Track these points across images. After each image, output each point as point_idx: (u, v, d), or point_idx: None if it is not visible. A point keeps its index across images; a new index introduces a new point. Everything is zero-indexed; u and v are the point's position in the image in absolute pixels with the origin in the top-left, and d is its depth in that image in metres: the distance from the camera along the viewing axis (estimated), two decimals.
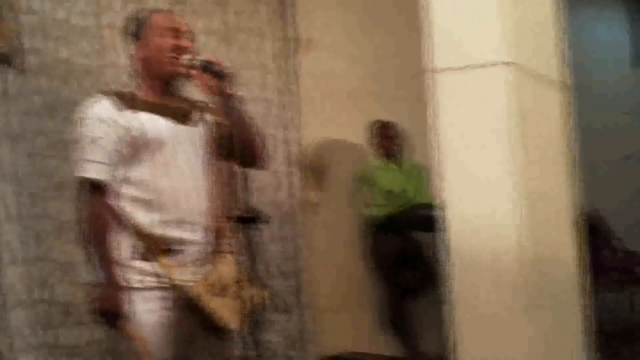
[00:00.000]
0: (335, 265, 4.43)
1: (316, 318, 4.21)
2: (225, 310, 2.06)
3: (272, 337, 3.96)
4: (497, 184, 3.09)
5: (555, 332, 3.10)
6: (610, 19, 6.22)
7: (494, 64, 3.05)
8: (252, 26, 4.08)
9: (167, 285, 2.01)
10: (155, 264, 2.01)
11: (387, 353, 4.21)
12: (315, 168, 4.39)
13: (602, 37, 6.13)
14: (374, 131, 4.55)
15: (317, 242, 4.34)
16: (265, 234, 3.94)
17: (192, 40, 2.12)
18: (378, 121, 4.48)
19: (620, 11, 6.24)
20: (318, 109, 4.42)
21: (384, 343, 4.37)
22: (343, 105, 4.56)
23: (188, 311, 2.03)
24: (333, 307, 4.33)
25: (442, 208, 3.22)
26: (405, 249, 4.41)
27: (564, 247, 3.25)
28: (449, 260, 3.21)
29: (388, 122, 4.40)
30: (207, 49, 3.38)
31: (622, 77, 6.22)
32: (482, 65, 3.08)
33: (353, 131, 4.60)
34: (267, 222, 2.03)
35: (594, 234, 5.23)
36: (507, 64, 3.02)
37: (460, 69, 3.14)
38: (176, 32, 2.09)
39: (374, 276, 4.47)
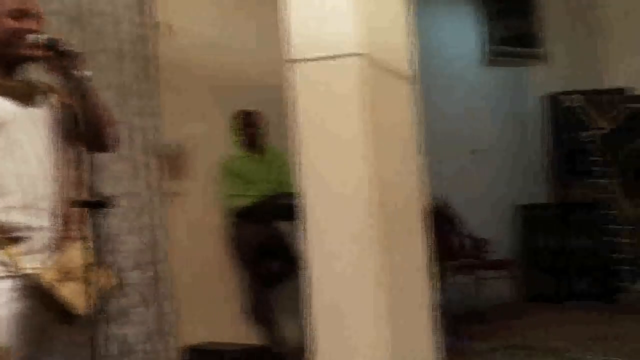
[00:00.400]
0: (198, 256, 4.41)
1: (177, 309, 4.18)
2: (76, 297, 2.03)
3: (130, 330, 3.90)
4: (350, 169, 3.23)
5: (405, 314, 3.26)
6: (460, 21, 6.56)
7: (346, 56, 3.18)
8: (108, 10, 3.97)
9: (15, 275, 1.95)
10: (0, 252, 1.94)
11: (250, 342, 4.24)
12: (174, 157, 4.35)
13: (453, 37, 6.47)
14: (237, 120, 4.59)
15: (179, 232, 4.31)
16: (123, 224, 3.88)
17: (41, 21, 2.07)
18: (242, 111, 4.51)
19: (469, 13, 6.60)
20: (179, 97, 4.38)
21: (247, 333, 4.42)
22: (205, 94, 4.56)
23: (39, 299, 1.98)
24: (195, 297, 4.31)
25: (300, 196, 3.31)
26: (267, 238, 4.48)
27: (413, 230, 3.43)
28: (307, 247, 3.32)
29: (251, 112, 4.45)
30: (60, 32, 3.27)
31: (472, 74, 6.57)
32: (336, 57, 3.21)
33: (216, 120, 4.61)
34: (114, 206, 2.00)
35: (444, 221, 5.53)
36: (359, 55, 3.16)
37: (316, 59, 3.26)
38: (22, 13, 2.02)
39: (237, 266, 4.50)
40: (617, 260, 5.91)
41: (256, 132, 4.49)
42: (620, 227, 5.97)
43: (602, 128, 6.13)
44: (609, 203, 6.05)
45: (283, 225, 4.44)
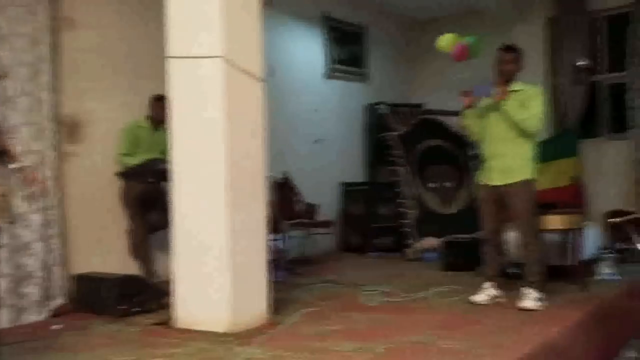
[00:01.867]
0: (91, 204, 4.34)
1: (68, 245, 4.11)
2: None
3: (29, 260, 3.82)
4: (211, 145, 3.35)
5: (247, 256, 3.44)
6: (311, 41, 6.70)
7: (211, 57, 3.27)
8: (25, 2, 3.83)
9: None
10: None
11: (129, 273, 4.22)
12: (73, 125, 4.24)
13: (305, 54, 6.62)
14: (150, 101, 4.48)
15: (75, 185, 4.22)
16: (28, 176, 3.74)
17: None
18: (155, 95, 4.36)
19: (317, 36, 6.76)
20: (81, 78, 4.27)
21: (129, 266, 4.40)
22: (104, 77, 4.45)
23: None
24: (87, 237, 4.26)
25: (172, 163, 3.39)
26: (148, 193, 4.44)
27: (257, 194, 3.59)
28: (175, 203, 3.41)
29: (161, 96, 4.25)
30: None
31: (317, 84, 6.76)
32: (204, 57, 3.30)
33: (112, 98, 4.52)
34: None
35: (288, 190, 5.73)
36: (222, 58, 3.27)
37: (187, 58, 3.32)
38: None
39: (124, 213, 4.46)
40: (405, 224, 6.30)
41: (161, 111, 4.27)
42: (408, 201, 6.38)
43: (401, 131, 6.52)
44: (402, 183, 6.44)
45: (163, 184, 4.42)
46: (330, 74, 6.86)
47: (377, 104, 6.96)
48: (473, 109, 3.92)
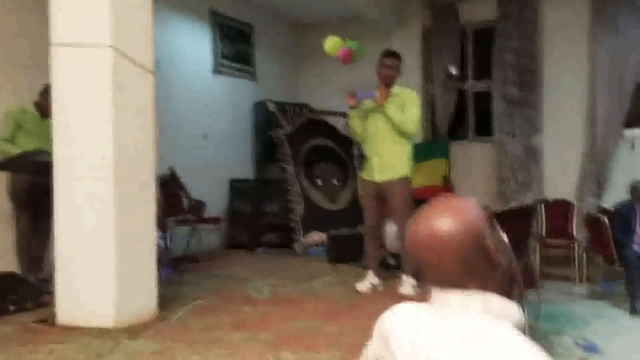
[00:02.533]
0: None
1: None
2: None
3: None
4: (97, 138, 3.26)
5: (133, 253, 3.40)
6: (199, 37, 6.68)
7: (99, 46, 3.19)
8: None
9: None
10: None
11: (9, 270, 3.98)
12: None
13: (194, 49, 6.59)
14: (41, 89, 4.22)
15: None
16: None
17: None
18: (46, 84, 4.10)
19: (206, 32, 6.74)
20: None
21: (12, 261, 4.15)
22: None
23: None
24: None
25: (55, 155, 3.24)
26: (33, 188, 4.18)
27: (146, 189, 3.56)
28: (57, 199, 3.27)
29: (47, 86, 4.03)
30: None
31: (206, 81, 6.74)
32: (90, 45, 3.19)
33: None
34: None
35: (174, 186, 5.66)
36: (110, 47, 3.19)
37: (74, 45, 3.20)
38: None
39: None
40: (292, 220, 6.48)
41: (48, 102, 4.06)
42: (295, 198, 6.57)
43: (288, 129, 6.70)
44: (289, 181, 6.61)
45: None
46: (219, 70, 6.87)
47: (265, 102, 7.07)
48: (357, 110, 4.18)
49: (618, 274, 5.27)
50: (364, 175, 4.24)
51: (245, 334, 3.06)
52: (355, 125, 4.23)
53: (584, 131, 6.63)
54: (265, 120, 7.07)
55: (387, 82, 4.08)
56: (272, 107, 6.91)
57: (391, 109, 4.00)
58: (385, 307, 3.47)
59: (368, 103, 4.14)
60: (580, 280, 6.12)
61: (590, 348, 3.89)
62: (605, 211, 5.70)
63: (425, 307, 1.09)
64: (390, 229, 4.55)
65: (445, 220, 1.04)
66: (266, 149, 7.00)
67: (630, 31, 6.32)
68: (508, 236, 3.94)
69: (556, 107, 6.80)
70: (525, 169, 6.88)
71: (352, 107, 4.16)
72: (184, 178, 5.83)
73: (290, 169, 6.58)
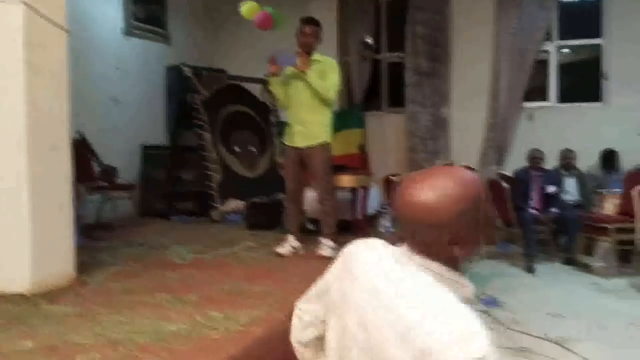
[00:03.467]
0: None
1: None
2: None
3: None
4: (11, 100, 3.10)
5: (49, 221, 3.30)
6: None
7: (10, 2, 3.02)
8: None
9: None
10: None
11: None
12: None
13: (103, 9, 6.30)
14: None
15: None
16: None
17: None
18: None
19: None
20: None
21: None
22: None
23: None
24: None
25: None
26: None
27: (60, 153, 3.42)
28: None
29: None
30: None
31: (117, 43, 6.48)
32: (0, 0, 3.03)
33: None
34: None
35: (85, 151, 5.45)
36: (22, 2, 3.04)
37: None
38: None
39: None
40: (209, 187, 6.45)
41: None
42: (212, 165, 6.53)
43: (204, 94, 6.62)
44: (206, 148, 6.55)
45: None
46: (130, 32, 6.63)
47: (179, 66, 6.92)
48: (278, 77, 4.23)
49: (516, 236, 5.78)
50: (286, 141, 4.33)
51: (170, 296, 3.08)
52: (276, 92, 4.29)
53: (488, 103, 7.09)
54: (179, 85, 6.92)
55: (307, 50, 4.16)
56: (187, 71, 6.78)
57: (312, 76, 4.10)
58: (306, 269, 3.64)
59: (289, 69, 4.20)
60: (483, 242, 6.62)
61: (491, 302, 4.29)
62: (505, 177, 6.19)
63: (392, 250, 1.18)
64: (310, 195, 4.69)
65: (449, 185, 1.08)
66: (181, 115, 6.87)
67: (533, 10, 6.79)
68: None
69: (463, 80, 7.21)
70: (434, 138, 7.27)
71: (272, 74, 4.20)
72: (94, 143, 5.64)
73: (207, 135, 6.51)
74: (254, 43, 6.97)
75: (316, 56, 4.19)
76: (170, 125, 7.16)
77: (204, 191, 6.44)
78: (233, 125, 6.85)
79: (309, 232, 4.68)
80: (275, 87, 4.27)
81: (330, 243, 4.18)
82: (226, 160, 6.66)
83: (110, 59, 6.35)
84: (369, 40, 5.76)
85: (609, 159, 6.40)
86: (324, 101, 4.17)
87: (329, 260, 3.98)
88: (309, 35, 4.15)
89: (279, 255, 4.21)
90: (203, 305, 2.92)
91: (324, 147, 4.23)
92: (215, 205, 6.37)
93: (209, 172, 6.46)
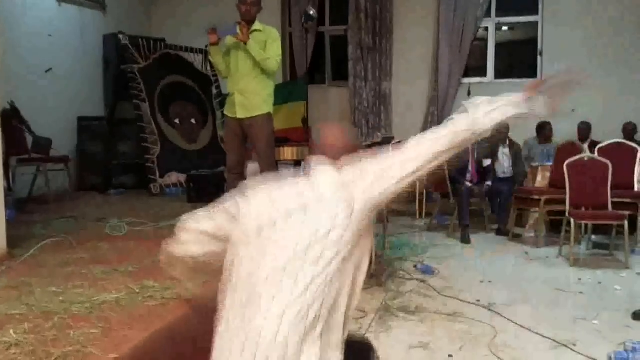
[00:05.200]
0: None
1: None
2: None
3: None
4: None
5: None
6: None
7: None
8: None
9: None
10: None
11: None
12: None
13: None
14: None
15: None
16: None
17: None
18: None
19: None
20: None
21: None
22: None
23: None
24: None
25: None
26: None
27: None
28: None
29: None
30: None
31: (50, 10, 6.21)
32: None
33: None
34: None
35: (17, 122, 5.26)
36: None
37: None
38: None
39: None
40: (148, 160, 6.33)
41: None
42: (151, 137, 6.40)
43: (142, 64, 6.45)
44: (144, 120, 6.41)
45: None
46: None
47: (116, 34, 6.69)
48: (219, 46, 4.18)
49: (452, 208, 5.98)
50: (226, 112, 4.28)
51: (105, 267, 3.06)
52: (217, 62, 4.24)
53: (429, 78, 7.24)
54: (116, 54, 6.71)
55: (248, 19, 4.11)
56: (124, 40, 6.57)
57: (253, 45, 4.07)
58: None
59: (230, 39, 4.16)
60: (420, 215, 6.83)
61: (427, 271, 4.46)
62: None
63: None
64: (253, 167, 4.69)
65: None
66: (118, 86, 6.68)
67: None
68: None
69: (405, 55, 7.32)
70: (377, 113, 7.38)
71: (213, 44, 4.15)
72: (27, 114, 5.43)
73: (145, 107, 6.37)
74: (194, 12, 6.84)
75: (257, 26, 4.16)
76: (108, 97, 6.95)
77: (142, 164, 6.32)
78: (172, 96, 6.72)
79: None
80: (216, 57, 4.22)
81: None
82: (165, 132, 6.55)
83: (42, 26, 6.09)
84: (312, 12, 5.75)
85: (543, 129, 6.68)
86: (266, 71, 4.15)
87: None
88: (250, 4, 4.10)
89: None
90: (139, 275, 2.91)
91: (265, 118, 4.22)
92: (154, 178, 6.26)
93: (148, 145, 6.33)
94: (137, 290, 2.63)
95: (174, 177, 6.23)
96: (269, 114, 4.25)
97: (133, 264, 3.13)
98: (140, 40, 6.83)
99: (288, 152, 4.76)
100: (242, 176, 4.45)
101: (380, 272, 4.28)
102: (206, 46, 4.26)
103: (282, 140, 4.88)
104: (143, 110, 6.36)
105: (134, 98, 6.36)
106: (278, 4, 7.48)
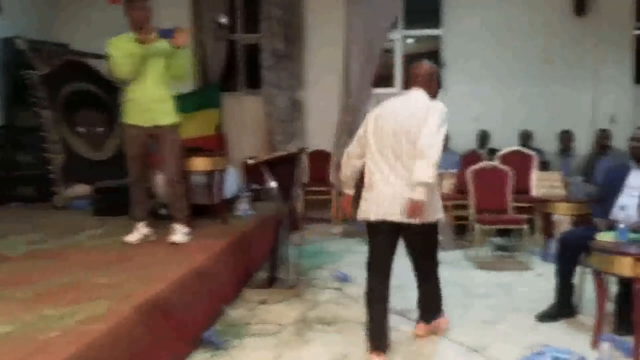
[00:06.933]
0: None
1: None
2: None
3: None
4: None
5: None
6: None
7: None
8: None
9: None
10: None
11: None
12: None
13: None
14: None
15: None
16: None
17: None
18: None
19: None
20: None
21: None
22: None
23: None
24: None
25: None
26: None
27: None
28: None
29: None
30: None
31: None
32: None
33: None
34: None
35: None
36: None
37: None
38: None
39: None
40: (51, 171, 5.87)
41: None
42: (53, 147, 5.94)
43: (45, 71, 5.98)
44: (46, 128, 5.93)
45: None
46: None
47: (13, 38, 6.14)
48: (123, 52, 3.85)
49: None
50: (130, 120, 3.96)
51: None
52: (133, 62, 3.83)
53: (341, 87, 7.23)
54: (14, 59, 6.15)
55: (144, 24, 3.81)
56: (22, 45, 6.04)
57: (184, 52, 3.85)
58: (156, 258, 3.43)
59: (134, 45, 3.82)
60: (336, 221, 6.81)
61: (343, 278, 4.41)
62: None
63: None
64: (160, 178, 4.41)
65: None
66: (17, 92, 6.13)
67: (381, 1, 6.99)
68: (277, 182, 4.13)
69: (317, 63, 7.29)
70: (291, 121, 7.28)
71: (146, 43, 3.79)
72: None
73: (47, 114, 5.88)
74: (99, 16, 6.42)
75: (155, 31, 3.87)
76: (5, 104, 6.35)
77: (44, 175, 5.83)
78: (77, 104, 6.26)
79: (162, 218, 4.43)
80: (135, 59, 3.82)
81: (183, 228, 3.98)
82: (70, 141, 6.08)
83: None
84: (224, 20, 5.53)
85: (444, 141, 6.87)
86: (174, 78, 3.94)
87: (181, 246, 3.83)
88: (143, 9, 3.80)
89: (128, 243, 3.92)
90: (35, 302, 2.61)
91: (175, 127, 3.99)
92: (58, 190, 5.81)
93: (50, 155, 5.86)
94: (33, 321, 2.34)
95: (80, 189, 5.80)
96: (177, 123, 4.01)
97: (29, 288, 2.80)
98: (41, 44, 6.32)
99: (200, 163, 4.50)
100: (147, 189, 4.17)
101: (297, 283, 4.18)
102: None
103: (195, 150, 4.65)
104: (45, 118, 5.87)
105: (35, 106, 5.84)
106: (189, 11, 7.20)
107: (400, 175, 2.78)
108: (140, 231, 4.03)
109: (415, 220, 2.75)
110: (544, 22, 7.11)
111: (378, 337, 2.91)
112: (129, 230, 4.04)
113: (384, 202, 2.82)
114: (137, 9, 3.76)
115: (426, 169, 2.65)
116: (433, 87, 2.97)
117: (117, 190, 5.23)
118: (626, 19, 6.97)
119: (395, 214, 2.79)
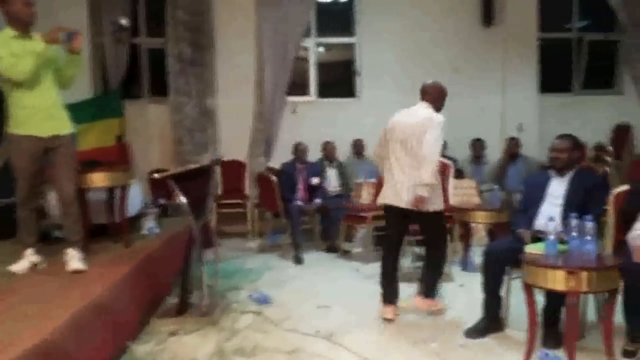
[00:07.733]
0: None
1: None
2: None
3: None
4: None
5: None
6: None
7: None
8: None
9: None
10: None
11: None
12: None
13: None
14: None
15: None
16: None
17: None
18: None
19: None
20: None
21: None
22: None
23: None
24: None
25: None
26: None
27: None
28: None
29: None
30: None
31: None
32: None
33: None
34: None
35: None
36: None
37: None
38: None
39: None
40: None
41: None
42: None
43: None
44: None
45: None
46: None
47: None
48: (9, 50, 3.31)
49: (284, 226, 5.73)
50: (20, 130, 3.41)
51: None
52: (34, 64, 3.29)
53: (254, 94, 6.93)
54: None
55: (31, 23, 3.33)
56: None
57: (80, 58, 3.42)
58: (47, 289, 2.90)
59: (19, 45, 3.31)
60: (253, 235, 6.49)
61: (262, 300, 4.09)
62: (272, 170, 6.10)
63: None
64: (54, 196, 3.87)
65: None
66: None
67: (292, 8, 6.79)
68: (187, 197, 3.69)
69: (229, 70, 6.93)
70: (202, 129, 6.86)
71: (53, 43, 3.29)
72: None
73: None
74: None
75: (37, 34, 3.39)
76: None
77: None
78: None
79: (55, 242, 3.89)
80: (40, 60, 3.30)
81: (79, 254, 3.47)
82: None
83: None
84: (124, 22, 5.03)
85: (357, 147, 6.81)
86: (64, 86, 3.51)
87: (77, 275, 3.33)
88: (34, 4, 3.34)
89: (14, 274, 3.37)
90: None
91: (72, 137, 3.54)
92: None
93: None
94: None
95: None
96: (73, 134, 3.55)
97: None
98: None
99: (99, 178, 3.98)
100: (39, 206, 3.65)
101: (213, 308, 3.80)
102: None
103: (93, 164, 4.15)
104: None
105: None
106: (86, 12, 6.61)
107: (406, 173, 3.57)
108: (29, 259, 3.49)
109: (421, 208, 3.52)
110: (453, 32, 7.22)
111: (389, 295, 3.75)
112: (15, 258, 3.49)
113: (394, 192, 3.64)
114: (26, 5, 3.28)
115: (428, 173, 3.40)
116: (438, 103, 3.72)
117: (1, 210, 4.58)
118: (531, 30, 7.22)
119: (401, 202, 3.59)
